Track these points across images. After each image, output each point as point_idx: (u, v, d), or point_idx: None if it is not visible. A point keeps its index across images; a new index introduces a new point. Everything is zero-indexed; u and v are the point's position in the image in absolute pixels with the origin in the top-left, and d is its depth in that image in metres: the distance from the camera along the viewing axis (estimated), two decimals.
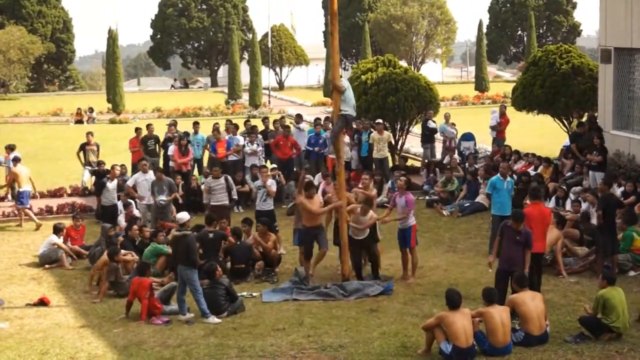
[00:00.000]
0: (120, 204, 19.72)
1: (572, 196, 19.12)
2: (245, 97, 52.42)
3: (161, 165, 22.80)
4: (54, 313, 14.17)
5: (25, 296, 15.20)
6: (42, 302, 14.63)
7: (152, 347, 12.14)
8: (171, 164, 22.74)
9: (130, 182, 19.72)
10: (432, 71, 67.40)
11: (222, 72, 79.65)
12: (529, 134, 31.05)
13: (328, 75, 51.23)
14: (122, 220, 19.24)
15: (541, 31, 75.79)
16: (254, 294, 14.75)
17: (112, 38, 50.05)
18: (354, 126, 24.58)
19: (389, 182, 21.87)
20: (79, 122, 44.26)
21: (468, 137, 25.96)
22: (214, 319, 13.26)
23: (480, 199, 20.90)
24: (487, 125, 27.49)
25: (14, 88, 69.48)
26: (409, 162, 27.13)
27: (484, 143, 28.30)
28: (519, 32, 78.09)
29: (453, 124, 26.23)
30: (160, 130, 25.16)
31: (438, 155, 26.23)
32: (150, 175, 19.57)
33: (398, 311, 13.47)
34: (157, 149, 23.87)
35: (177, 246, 13.82)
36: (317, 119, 25.58)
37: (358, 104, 25.42)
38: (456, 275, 15.51)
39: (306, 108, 49.42)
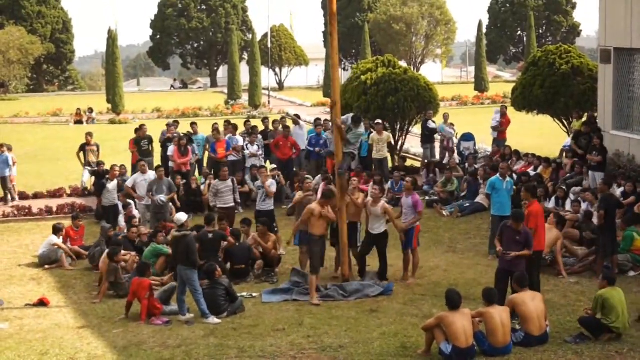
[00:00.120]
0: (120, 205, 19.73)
1: (572, 196, 19.13)
2: (244, 98, 52.42)
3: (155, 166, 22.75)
4: (53, 313, 14.17)
5: (25, 297, 15.19)
6: (42, 303, 14.63)
7: (152, 348, 12.14)
8: (171, 164, 22.72)
9: (129, 183, 19.73)
10: (431, 71, 67.40)
11: (222, 72, 79.63)
12: (528, 134, 31.06)
13: (328, 76, 51.29)
14: (122, 220, 19.25)
15: (541, 31, 75.76)
16: (254, 295, 14.75)
17: (111, 38, 50.04)
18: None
19: (389, 182, 21.87)
20: (79, 122, 44.26)
21: (468, 137, 25.97)
22: (213, 320, 13.25)
23: (480, 199, 20.90)
24: (487, 125, 27.50)
25: (13, 88, 69.49)
26: (409, 163, 27.13)
27: (484, 143, 28.31)
28: (519, 32, 78.06)
29: (452, 124, 26.24)
30: (159, 130, 25.09)
31: (437, 156, 26.24)
32: (149, 175, 19.58)
33: (398, 311, 13.47)
34: (151, 149, 23.87)
35: (176, 246, 13.81)
36: (318, 119, 25.58)
37: (358, 104, 25.60)
38: (456, 276, 15.51)
39: (306, 108, 49.43)
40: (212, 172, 22.43)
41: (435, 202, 21.54)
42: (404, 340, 12.04)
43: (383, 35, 69.00)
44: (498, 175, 16.85)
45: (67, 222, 18.82)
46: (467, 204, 21.09)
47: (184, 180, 21.66)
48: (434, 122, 25.82)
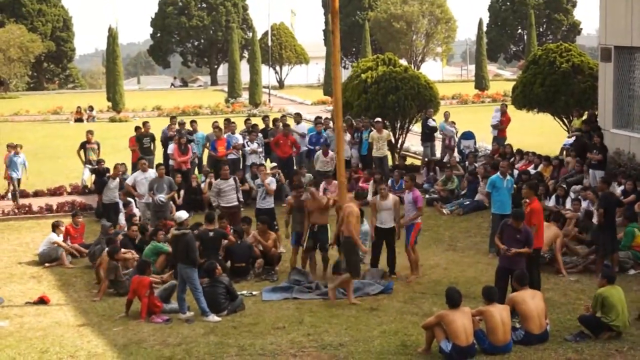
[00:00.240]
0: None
1: (572, 195, 19.12)
2: (245, 96, 52.42)
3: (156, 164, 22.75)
4: (53, 311, 14.17)
5: (25, 294, 15.19)
6: (42, 301, 14.63)
7: (152, 346, 12.14)
8: (171, 162, 22.71)
9: (129, 181, 19.72)
10: (432, 70, 67.37)
11: (222, 70, 79.62)
12: (528, 133, 31.05)
13: (328, 74, 51.30)
14: (122, 219, 19.25)
15: (541, 30, 75.77)
16: (254, 293, 14.75)
17: (112, 36, 50.05)
18: (354, 124, 24.67)
19: (389, 180, 21.85)
20: (79, 120, 44.29)
21: (468, 135, 25.97)
22: (213, 318, 13.25)
23: (478, 197, 20.90)
24: (487, 124, 27.49)
25: (14, 86, 69.52)
26: (409, 161, 27.14)
27: (484, 141, 28.31)
28: (519, 30, 78.07)
29: (453, 123, 26.24)
30: (158, 128, 25.09)
31: (438, 154, 26.25)
32: (150, 174, 19.56)
33: (398, 310, 13.47)
34: (153, 147, 23.85)
35: (176, 245, 13.81)
36: (318, 117, 25.57)
37: (358, 102, 25.60)
38: (456, 274, 15.51)
39: (306, 107, 49.44)
40: (212, 171, 22.44)
41: (436, 201, 21.54)
42: (404, 338, 12.04)
43: (383, 34, 68.98)
44: (498, 173, 16.85)
45: (67, 220, 18.82)
46: (467, 202, 21.08)
47: (183, 180, 21.61)
48: (434, 120, 25.82)
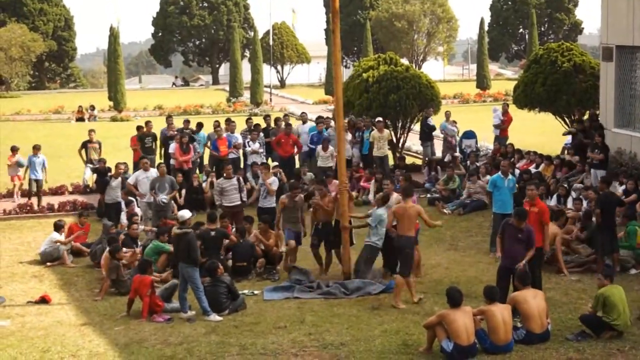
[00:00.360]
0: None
1: (573, 194, 19.12)
2: (246, 95, 52.45)
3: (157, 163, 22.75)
4: (55, 311, 14.18)
5: (27, 294, 15.20)
6: (44, 300, 14.64)
7: (153, 345, 12.14)
8: (172, 161, 22.71)
9: (131, 180, 19.72)
10: (433, 69, 67.34)
11: (224, 70, 79.64)
12: (530, 132, 31.05)
13: (330, 73, 51.31)
14: (124, 218, 19.25)
15: (543, 29, 75.75)
16: (255, 292, 14.75)
17: (113, 36, 50.08)
18: (356, 123, 24.68)
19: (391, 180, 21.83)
20: (80, 119, 44.30)
21: (469, 135, 25.97)
22: (215, 317, 13.26)
23: (477, 196, 20.88)
24: (488, 123, 27.49)
25: (15, 86, 69.52)
26: (411, 160, 27.13)
27: (486, 141, 28.30)
28: (521, 30, 78.08)
29: (454, 122, 26.24)
30: (160, 128, 25.09)
31: (438, 153, 26.26)
32: (151, 173, 19.56)
33: (399, 309, 13.46)
34: (154, 147, 23.86)
35: (178, 244, 13.81)
36: (320, 117, 25.58)
37: (359, 101, 25.61)
38: (457, 273, 15.51)
39: (307, 106, 49.43)
40: (214, 170, 22.46)
41: (437, 200, 21.53)
42: (406, 337, 12.05)
43: (385, 33, 68.97)
44: (500, 173, 16.84)
45: (68, 220, 18.83)
46: (468, 201, 21.07)
47: (184, 180, 21.61)
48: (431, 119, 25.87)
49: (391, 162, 24.92)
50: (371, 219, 14.76)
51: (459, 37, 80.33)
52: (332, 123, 22.68)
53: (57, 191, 24.02)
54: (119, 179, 19.90)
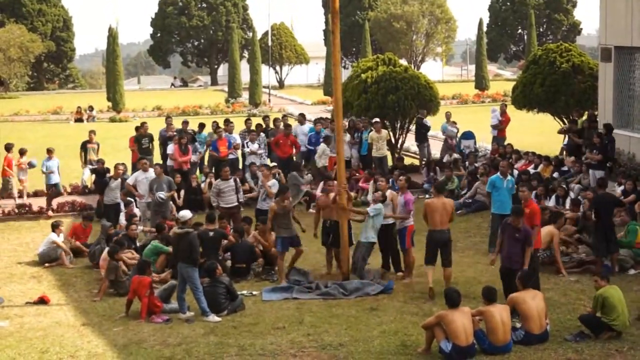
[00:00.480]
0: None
1: (572, 195, 19.12)
2: (245, 96, 52.46)
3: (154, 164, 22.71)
4: (54, 311, 14.17)
5: (25, 294, 15.19)
6: (42, 301, 14.63)
7: (152, 346, 12.14)
8: (169, 162, 22.68)
9: (130, 181, 19.70)
10: (432, 70, 67.44)
11: (222, 70, 79.69)
12: (528, 132, 31.06)
13: (328, 74, 51.29)
14: (122, 219, 19.24)
15: (541, 30, 75.83)
16: (254, 293, 14.74)
17: (112, 36, 50.10)
18: (355, 124, 24.69)
19: (389, 180, 21.84)
20: (79, 120, 44.31)
21: (468, 135, 25.99)
22: (214, 318, 13.25)
23: (479, 196, 20.89)
24: (487, 123, 27.50)
25: (14, 86, 69.54)
26: (409, 161, 27.14)
27: (484, 142, 28.31)
28: (519, 30, 78.15)
29: (454, 122, 26.26)
30: (159, 128, 25.08)
31: (435, 154, 26.28)
32: (150, 173, 19.54)
33: (398, 310, 13.46)
34: (151, 147, 23.85)
35: (178, 243, 13.81)
36: (319, 118, 25.61)
37: (358, 102, 25.61)
38: (456, 274, 15.46)
39: (306, 107, 49.46)
40: (213, 171, 22.44)
41: None
42: (404, 338, 12.04)
43: (383, 34, 69.02)
44: (498, 173, 16.84)
45: (67, 220, 18.82)
46: (469, 201, 21.05)
47: (182, 180, 21.60)
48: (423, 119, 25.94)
49: (390, 162, 24.92)
50: (370, 208, 14.90)
51: (457, 38, 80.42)
52: (330, 123, 22.71)
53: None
54: (118, 180, 19.88)
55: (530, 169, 21.83)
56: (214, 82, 78.49)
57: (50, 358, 11.89)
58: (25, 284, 16.00)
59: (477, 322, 11.52)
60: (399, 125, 26.31)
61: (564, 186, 19.68)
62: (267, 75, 60.41)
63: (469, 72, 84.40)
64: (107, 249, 15.68)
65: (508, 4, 77.59)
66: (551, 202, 19.07)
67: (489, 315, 11.44)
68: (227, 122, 24.52)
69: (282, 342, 12.08)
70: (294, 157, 23.79)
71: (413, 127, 27.68)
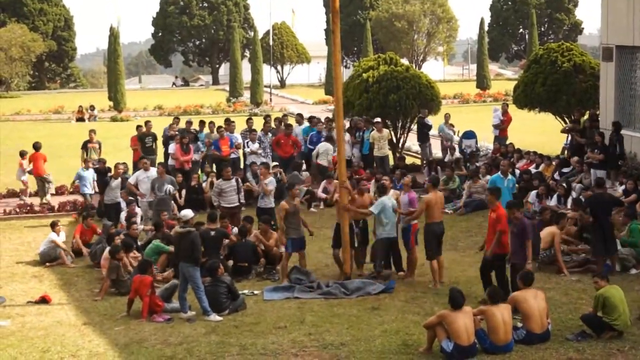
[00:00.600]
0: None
1: (573, 194, 19.10)
2: (246, 95, 52.46)
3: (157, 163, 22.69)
4: (55, 311, 14.18)
5: (27, 294, 15.21)
6: (44, 300, 14.64)
7: (153, 345, 12.14)
8: (170, 162, 22.67)
9: (131, 180, 19.72)
10: (433, 69, 67.34)
11: (224, 70, 79.65)
12: (530, 132, 31.04)
13: (330, 74, 51.30)
14: (123, 218, 19.24)
15: (543, 29, 75.76)
16: (256, 292, 14.75)
17: (113, 36, 50.10)
18: (357, 124, 24.70)
19: (392, 180, 21.83)
20: (80, 119, 44.31)
21: (469, 135, 25.97)
22: (215, 317, 13.26)
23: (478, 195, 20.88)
24: (488, 123, 27.49)
25: (15, 86, 69.52)
26: (410, 160, 27.13)
27: (486, 141, 28.30)
28: (521, 30, 78.09)
29: (452, 125, 26.25)
30: (160, 128, 25.10)
31: (435, 153, 26.27)
32: (152, 172, 19.56)
33: (399, 309, 13.47)
34: (155, 147, 23.84)
35: (180, 243, 13.81)
36: (312, 117, 25.63)
37: (359, 102, 25.60)
38: (457, 273, 15.50)
39: (307, 106, 49.46)
40: (214, 170, 22.45)
41: None
42: (406, 337, 12.05)
43: (385, 33, 68.98)
44: (499, 173, 16.83)
45: (67, 220, 18.80)
46: (469, 200, 21.04)
47: (184, 180, 21.59)
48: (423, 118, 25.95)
49: (391, 162, 24.92)
50: (373, 207, 14.90)
51: (459, 37, 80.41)
52: (333, 124, 22.69)
53: (57, 191, 24.01)
54: (119, 179, 19.90)
55: (532, 169, 21.82)
56: (215, 81, 78.47)
57: (51, 357, 11.90)
58: (26, 283, 16.02)
59: (479, 321, 11.52)
60: (400, 124, 26.30)
61: (564, 185, 19.65)
62: (269, 74, 60.39)
63: (470, 71, 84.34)
64: (108, 248, 15.69)
65: (509, 3, 77.52)
66: (553, 202, 19.06)
67: (490, 315, 11.44)
68: (227, 121, 24.53)
69: (283, 341, 12.08)
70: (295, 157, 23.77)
71: (414, 127, 27.70)
